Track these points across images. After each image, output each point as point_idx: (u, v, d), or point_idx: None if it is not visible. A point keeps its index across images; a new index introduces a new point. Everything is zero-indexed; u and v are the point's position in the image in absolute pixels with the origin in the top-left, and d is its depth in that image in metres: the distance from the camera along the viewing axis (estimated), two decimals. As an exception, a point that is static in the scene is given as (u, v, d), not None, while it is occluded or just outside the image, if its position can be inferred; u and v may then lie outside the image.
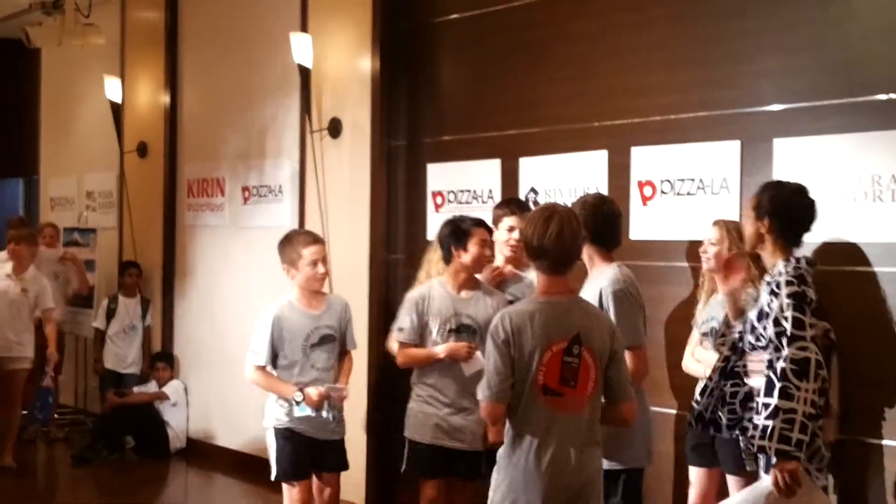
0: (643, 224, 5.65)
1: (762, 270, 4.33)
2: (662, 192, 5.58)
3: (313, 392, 5.05)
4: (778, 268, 3.97)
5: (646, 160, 5.68)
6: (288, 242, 5.25)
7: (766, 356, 3.87)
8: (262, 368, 5.22)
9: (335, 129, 7.36)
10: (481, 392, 3.74)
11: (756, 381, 3.98)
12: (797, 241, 4.05)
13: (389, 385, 7.00)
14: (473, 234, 5.08)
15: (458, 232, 5.13)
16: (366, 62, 7.17)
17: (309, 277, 5.18)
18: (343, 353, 5.42)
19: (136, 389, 8.90)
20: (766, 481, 3.86)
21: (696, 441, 4.88)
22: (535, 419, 3.65)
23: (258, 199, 8.21)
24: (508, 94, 6.50)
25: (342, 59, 7.37)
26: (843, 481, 4.64)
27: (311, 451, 5.21)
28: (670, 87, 5.61)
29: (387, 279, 7.17)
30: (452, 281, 5.21)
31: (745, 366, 4.12)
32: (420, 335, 5.19)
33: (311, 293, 5.26)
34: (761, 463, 3.91)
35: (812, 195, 4.09)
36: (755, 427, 3.86)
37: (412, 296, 5.26)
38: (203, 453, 8.60)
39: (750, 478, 4.67)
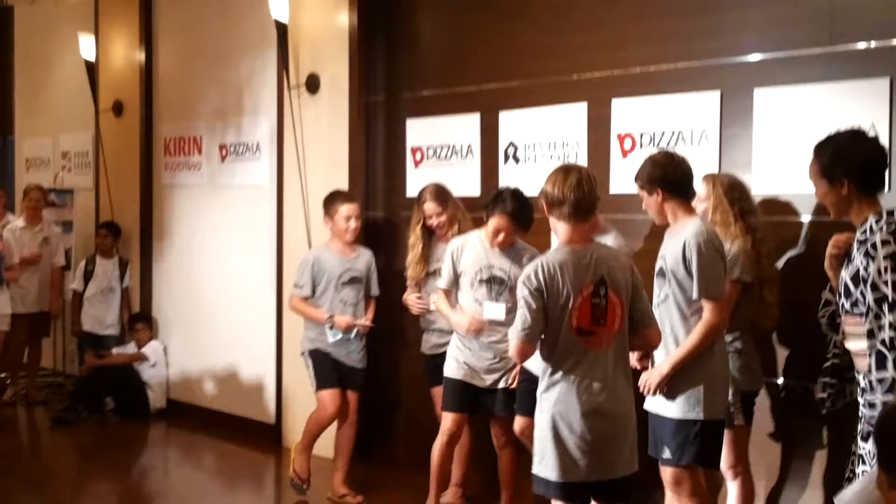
0: (623, 177, 5.60)
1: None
2: (642, 144, 5.54)
3: (342, 320, 6.11)
4: (869, 224, 3.67)
5: (626, 112, 5.64)
6: (330, 199, 6.30)
7: (866, 324, 3.62)
8: (304, 300, 6.20)
9: (313, 85, 7.28)
10: (514, 333, 3.98)
11: (854, 345, 3.76)
12: (879, 188, 3.76)
13: (382, 339, 6.95)
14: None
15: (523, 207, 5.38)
16: (344, 17, 7.08)
17: (340, 230, 6.23)
18: (368, 298, 6.38)
19: (114, 351, 8.86)
20: None
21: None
22: (571, 357, 3.94)
23: (236, 157, 8.13)
24: (487, 47, 6.44)
25: (320, 14, 7.26)
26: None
27: (338, 371, 6.20)
28: (650, 38, 5.57)
29: (366, 236, 7.12)
30: (488, 236, 5.44)
31: (842, 331, 3.87)
32: (455, 283, 5.56)
33: (343, 242, 6.25)
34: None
35: (870, 134, 3.83)
36: (870, 406, 3.64)
37: (451, 246, 5.60)
38: (183, 413, 8.57)
39: (737, 432, 4.66)
